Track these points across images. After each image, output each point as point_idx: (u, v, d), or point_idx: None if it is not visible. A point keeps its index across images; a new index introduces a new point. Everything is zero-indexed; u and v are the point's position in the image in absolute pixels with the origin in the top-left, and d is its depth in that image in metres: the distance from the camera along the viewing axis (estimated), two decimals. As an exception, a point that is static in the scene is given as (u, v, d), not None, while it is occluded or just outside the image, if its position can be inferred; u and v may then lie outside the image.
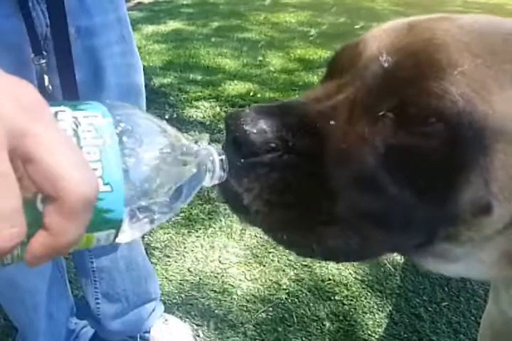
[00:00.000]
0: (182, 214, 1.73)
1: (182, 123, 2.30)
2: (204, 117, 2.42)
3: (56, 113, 0.25)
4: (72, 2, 0.62)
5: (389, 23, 0.41)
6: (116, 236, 0.28)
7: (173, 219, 1.71)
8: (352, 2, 5.03)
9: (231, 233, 1.66)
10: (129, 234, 0.29)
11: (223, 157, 0.33)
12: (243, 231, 1.67)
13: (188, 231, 1.66)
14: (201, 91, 2.67)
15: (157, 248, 1.59)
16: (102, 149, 0.26)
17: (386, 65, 0.36)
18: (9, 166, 0.22)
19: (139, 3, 4.69)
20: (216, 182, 0.34)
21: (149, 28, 3.83)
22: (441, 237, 0.38)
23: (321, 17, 4.35)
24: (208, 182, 0.33)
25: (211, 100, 2.56)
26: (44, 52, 0.62)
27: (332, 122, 0.37)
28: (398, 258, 1.55)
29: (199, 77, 2.87)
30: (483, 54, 0.34)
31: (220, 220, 1.71)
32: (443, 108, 0.33)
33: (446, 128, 0.33)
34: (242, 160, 0.35)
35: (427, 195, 0.35)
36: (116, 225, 0.27)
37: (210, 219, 1.72)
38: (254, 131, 0.34)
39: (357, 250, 0.37)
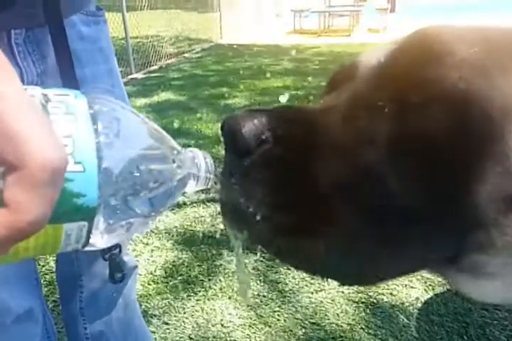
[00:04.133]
0: (180, 277, 1.66)
1: (177, 186, 2.30)
2: (199, 179, 2.44)
3: (25, 89, 0.23)
4: None
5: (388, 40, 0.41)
6: (89, 232, 0.25)
7: (170, 283, 1.64)
8: (334, 67, 5.35)
9: (233, 293, 1.58)
10: (103, 236, 0.26)
11: (209, 160, 0.32)
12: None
13: (188, 295, 1.58)
14: (195, 155, 2.72)
15: (155, 315, 1.50)
16: (73, 126, 0.23)
17: (383, 60, 0.36)
18: None
19: (132, 78, 4.96)
20: (201, 186, 0.32)
21: (142, 101, 4.00)
22: (473, 246, 0.33)
23: (306, 81, 4.59)
24: (193, 185, 0.32)
25: (205, 162, 2.61)
26: None
27: (328, 116, 0.35)
28: (411, 308, 1.47)
29: (192, 142, 2.95)
30: (480, 43, 0.34)
31: (220, 280, 1.64)
32: (443, 91, 0.31)
33: (450, 111, 0.31)
34: (236, 165, 0.33)
35: (440, 190, 0.32)
36: (88, 216, 0.24)
37: (209, 280, 1.65)
38: (245, 127, 0.33)
39: (371, 262, 0.34)
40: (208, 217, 2.05)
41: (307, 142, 0.35)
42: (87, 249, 0.27)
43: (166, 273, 1.70)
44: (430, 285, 1.57)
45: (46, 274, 1.64)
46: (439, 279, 1.58)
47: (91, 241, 0.26)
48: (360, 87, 0.36)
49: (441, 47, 0.33)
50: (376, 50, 0.38)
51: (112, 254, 0.71)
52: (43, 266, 1.69)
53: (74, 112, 0.24)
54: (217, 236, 1.89)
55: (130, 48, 5.09)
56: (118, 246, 0.71)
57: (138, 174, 0.26)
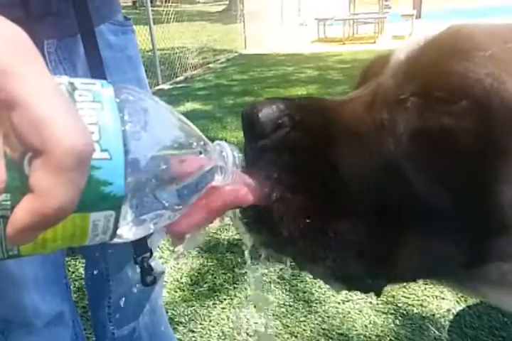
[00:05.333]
0: (206, 285, 1.66)
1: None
2: (224, 187, 2.45)
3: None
4: None
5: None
6: (116, 222, 0.24)
7: (196, 291, 1.64)
8: (358, 74, 5.31)
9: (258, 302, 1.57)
10: (131, 228, 0.26)
11: (236, 153, 0.31)
12: (271, 299, 1.58)
13: (213, 303, 1.58)
14: (220, 163, 2.74)
15: (181, 322, 1.51)
16: (99, 113, 0.23)
17: (411, 55, 0.35)
18: None
19: (159, 89, 5.06)
20: (228, 179, 0.31)
21: (169, 110, 4.07)
22: (496, 253, 0.32)
23: (330, 88, 4.57)
24: (220, 178, 0.31)
25: (230, 170, 2.62)
26: None
27: (349, 106, 0.35)
28: (442, 320, 1.42)
29: (217, 150, 2.98)
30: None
31: (246, 289, 1.63)
32: (467, 86, 0.30)
33: (474, 107, 0.30)
34: (253, 148, 0.33)
35: (461, 188, 0.30)
36: (115, 205, 0.24)
37: (235, 288, 1.64)
38: (262, 111, 0.33)
39: (382, 258, 0.33)
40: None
41: (325, 128, 0.34)
42: (114, 241, 0.27)
43: (191, 280, 1.71)
44: (462, 296, 1.51)
45: (76, 280, 1.67)
46: (472, 290, 1.53)
47: (118, 232, 0.25)
48: (386, 80, 0.35)
49: (470, 43, 0.32)
50: (408, 45, 0.37)
51: (144, 258, 0.72)
52: (73, 272, 1.72)
53: (100, 100, 0.24)
54: (242, 244, 1.89)
55: (157, 60, 5.20)
56: (149, 250, 0.72)
57: (165, 165, 0.26)
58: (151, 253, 0.72)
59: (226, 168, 0.31)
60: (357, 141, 0.34)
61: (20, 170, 0.21)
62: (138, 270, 0.73)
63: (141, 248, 0.71)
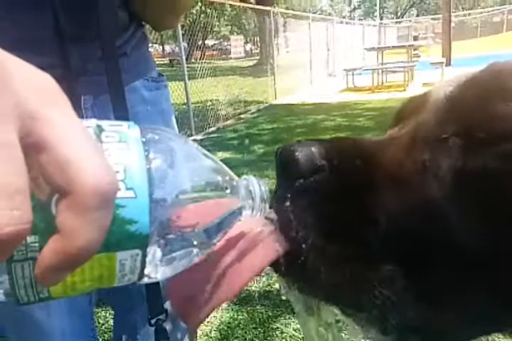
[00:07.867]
0: (235, 340, 1.59)
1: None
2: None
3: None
4: None
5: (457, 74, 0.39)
6: (143, 262, 0.24)
7: (226, 346, 1.57)
8: (392, 115, 5.33)
9: (291, 360, 1.48)
10: (159, 267, 0.26)
11: (263, 188, 0.31)
12: (305, 356, 1.48)
13: (244, 360, 1.50)
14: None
15: (210, 381, 1.43)
16: (125, 153, 0.24)
17: (452, 93, 0.34)
18: (14, 138, 0.19)
19: (192, 140, 5.22)
20: (257, 214, 0.31)
21: (201, 160, 4.17)
22: None
23: (359, 135, 4.55)
24: (248, 214, 0.31)
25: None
26: None
27: (388, 148, 0.34)
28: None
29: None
30: None
31: (278, 345, 1.55)
32: (511, 129, 0.29)
33: None
34: (289, 189, 0.32)
35: (507, 234, 0.29)
36: (141, 243, 0.24)
37: (266, 344, 1.56)
38: (301, 153, 0.33)
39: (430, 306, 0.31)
40: (264, 276, 1.99)
41: (364, 172, 0.34)
42: (144, 281, 0.26)
43: (221, 335, 1.64)
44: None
45: (105, 333, 1.64)
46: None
47: (146, 271, 0.25)
48: (426, 119, 0.34)
49: None
50: (447, 82, 0.37)
51: (158, 319, 0.69)
52: (103, 324, 1.70)
53: (126, 140, 0.25)
54: (274, 296, 1.82)
55: (191, 112, 5.44)
56: (165, 310, 0.68)
57: (192, 204, 0.26)
58: (167, 315, 0.69)
59: (254, 204, 0.31)
60: (397, 186, 0.33)
61: (48, 212, 0.21)
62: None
63: (156, 308, 0.68)
